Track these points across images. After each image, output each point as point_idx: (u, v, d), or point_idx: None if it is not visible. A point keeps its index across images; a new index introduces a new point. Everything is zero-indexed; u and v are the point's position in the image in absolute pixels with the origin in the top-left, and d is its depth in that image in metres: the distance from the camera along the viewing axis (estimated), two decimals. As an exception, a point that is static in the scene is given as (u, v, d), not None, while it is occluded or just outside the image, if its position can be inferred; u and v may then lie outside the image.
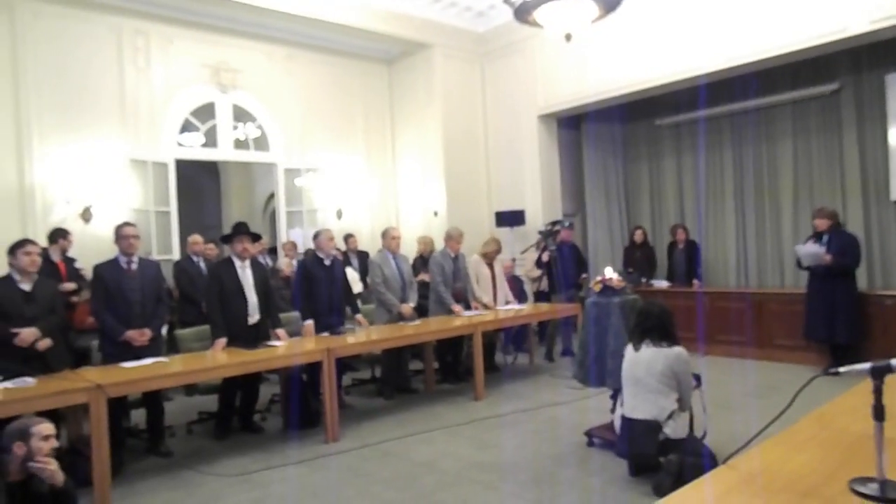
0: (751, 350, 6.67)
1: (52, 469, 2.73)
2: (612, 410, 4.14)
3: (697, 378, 3.67)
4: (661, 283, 7.88)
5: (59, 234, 5.94)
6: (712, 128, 8.59)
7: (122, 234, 4.46)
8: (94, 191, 6.90)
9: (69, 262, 5.95)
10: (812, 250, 5.86)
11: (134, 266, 4.48)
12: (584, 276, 7.59)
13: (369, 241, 8.79)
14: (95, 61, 7.03)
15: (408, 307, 5.92)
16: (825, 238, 5.89)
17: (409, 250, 7.64)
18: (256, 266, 5.09)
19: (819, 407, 2.33)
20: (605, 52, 7.88)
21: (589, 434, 4.25)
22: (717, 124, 8.57)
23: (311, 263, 5.48)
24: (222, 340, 4.72)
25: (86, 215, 6.82)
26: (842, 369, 1.61)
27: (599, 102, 8.29)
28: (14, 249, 4.04)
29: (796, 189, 7.94)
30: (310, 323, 5.28)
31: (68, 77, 6.83)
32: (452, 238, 6.37)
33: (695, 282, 7.70)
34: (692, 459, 3.27)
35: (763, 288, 7.69)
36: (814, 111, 7.74)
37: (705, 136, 8.61)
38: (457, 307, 6.14)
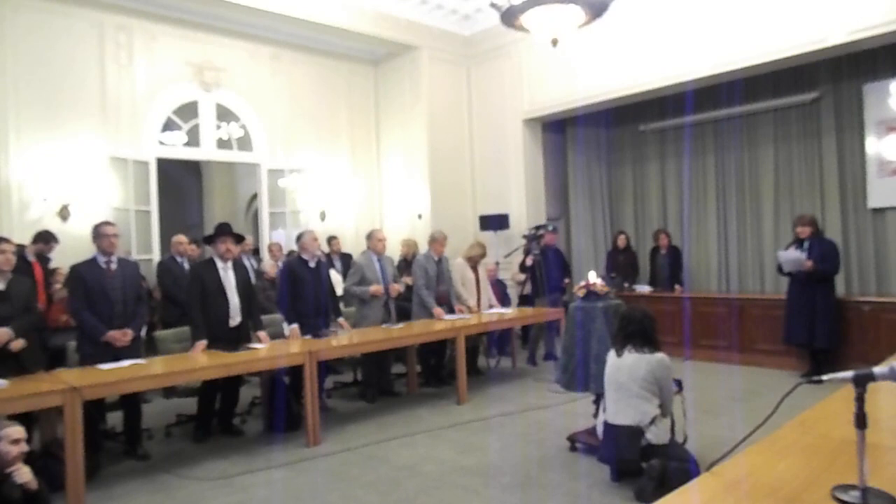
0: (733, 354, 6.73)
1: (26, 478, 2.67)
2: (595, 415, 4.14)
3: (678, 383, 3.69)
4: (644, 288, 7.93)
5: (46, 238, 5.86)
6: (696, 133, 8.68)
7: (103, 233, 4.38)
8: (73, 189, 6.79)
9: (44, 261, 5.85)
10: (793, 256, 5.94)
11: (113, 265, 4.40)
12: (566, 280, 7.62)
13: (353, 244, 8.74)
14: (76, 57, 6.93)
15: (378, 287, 5.86)
16: (806, 244, 5.97)
17: (393, 253, 7.60)
18: (239, 267, 5.02)
19: (800, 413, 2.34)
20: (592, 58, 7.93)
21: (572, 439, 4.25)
22: (701, 130, 8.66)
23: (296, 265, 5.43)
24: (202, 342, 4.65)
25: (63, 213, 6.71)
26: (825, 377, 1.62)
27: (585, 107, 8.34)
28: (-12, 247, 3.95)
29: (777, 195, 8.04)
30: (295, 326, 5.22)
31: (48, 72, 6.72)
32: (436, 241, 6.35)
33: (677, 287, 7.76)
34: (675, 464, 3.29)
35: (744, 293, 7.77)
36: (794, 119, 7.85)
37: (689, 142, 8.70)
38: (438, 310, 6.12)
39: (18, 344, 3.92)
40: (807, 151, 7.77)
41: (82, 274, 4.31)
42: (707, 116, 8.43)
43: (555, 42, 5.05)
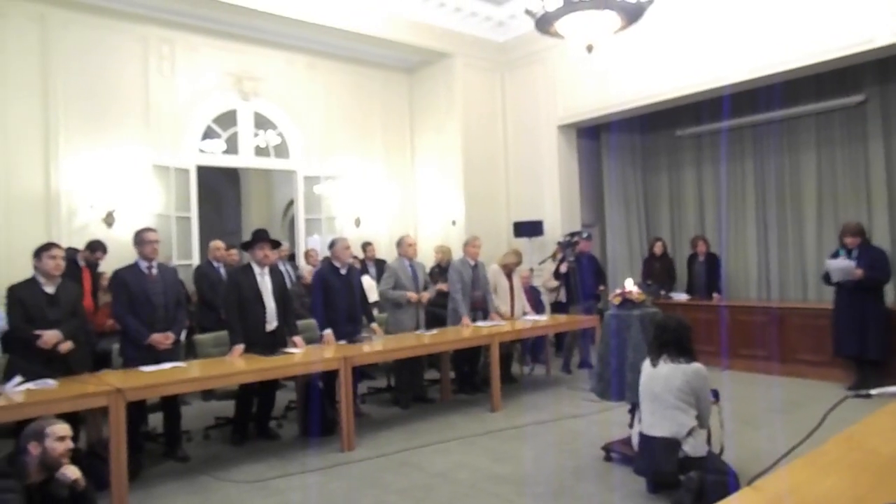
0: (773, 365, 6.55)
1: (75, 476, 2.76)
2: (631, 425, 4.08)
3: (715, 393, 3.61)
4: (681, 296, 7.79)
5: (95, 247, 6.06)
6: (734, 138, 8.50)
7: (146, 240, 4.49)
8: (118, 196, 7.00)
9: (93, 266, 6.04)
10: (843, 265, 5.76)
11: (155, 271, 4.51)
12: (601, 287, 7.53)
13: (387, 250, 8.79)
14: (122, 69, 7.17)
15: (414, 295, 5.94)
16: (854, 252, 5.79)
17: (427, 259, 7.64)
18: (275, 273, 5.11)
19: (847, 427, 2.27)
20: (627, 63, 7.84)
21: (607, 448, 4.20)
22: (739, 135, 8.48)
23: (327, 272, 5.50)
24: (240, 347, 4.74)
25: (108, 220, 6.92)
26: (874, 392, 1.57)
27: (620, 113, 8.26)
28: (39, 252, 4.10)
29: (820, 201, 7.81)
30: (329, 332, 5.28)
31: (95, 85, 6.96)
32: (470, 244, 6.36)
33: (715, 295, 7.60)
34: (714, 477, 3.21)
35: (786, 301, 7.56)
36: (838, 122, 7.63)
37: (727, 147, 8.53)
38: (466, 319, 6.07)
39: (67, 346, 4.06)
40: (852, 156, 7.53)
41: (125, 279, 4.42)
42: (745, 121, 8.24)
43: (590, 48, 5.02)
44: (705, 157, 8.98)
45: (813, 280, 7.66)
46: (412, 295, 5.91)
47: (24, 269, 4.32)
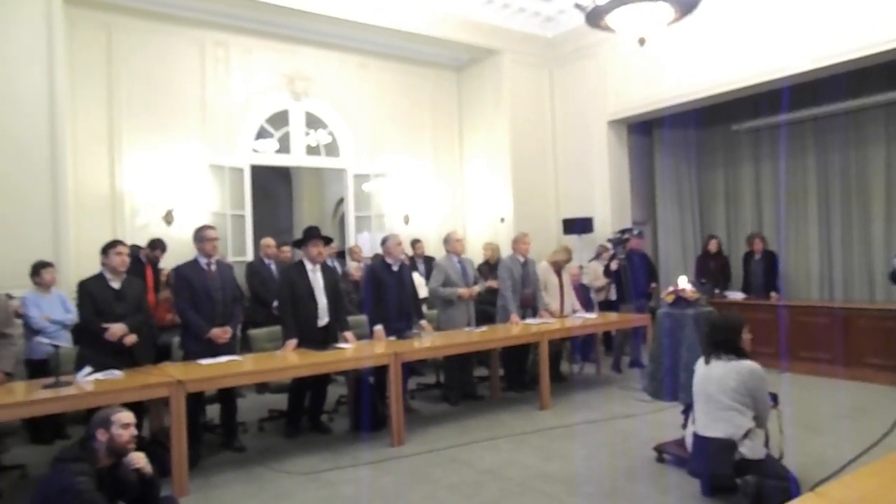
0: (837, 368, 6.27)
1: (141, 463, 2.88)
2: (684, 426, 3.98)
3: (774, 397, 3.48)
4: (736, 295, 7.55)
5: (155, 245, 6.31)
6: (794, 132, 8.18)
7: (207, 237, 4.62)
8: (176, 195, 7.27)
9: (154, 262, 6.29)
10: None
11: (213, 267, 4.66)
12: (653, 285, 7.37)
13: (436, 247, 8.82)
14: (180, 72, 7.44)
15: (466, 290, 5.96)
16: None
17: (476, 256, 7.63)
18: (326, 269, 5.20)
19: (919, 434, 2.16)
20: (680, 55, 7.64)
21: (660, 449, 4.11)
22: (800, 129, 8.15)
23: (379, 269, 5.55)
24: (293, 341, 4.85)
25: (168, 218, 7.19)
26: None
27: (673, 107, 8.06)
28: (107, 249, 4.29)
29: (889, 198, 7.44)
30: (380, 328, 5.33)
31: (155, 88, 7.25)
32: (519, 241, 6.33)
33: (773, 294, 7.33)
34: (773, 482, 3.11)
35: (851, 302, 7.23)
36: (910, 114, 7.25)
37: (787, 142, 8.21)
38: (514, 317, 6.03)
39: (132, 339, 4.24)
40: (923, 150, 7.15)
41: (187, 275, 4.58)
42: (806, 114, 7.91)
43: (642, 41, 4.90)
44: (763, 152, 8.67)
45: (881, 280, 7.31)
46: (463, 291, 5.92)
47: (91, 267, 4.54)
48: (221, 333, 4.55)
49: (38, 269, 5.12)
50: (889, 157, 7.45)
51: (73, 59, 6.69)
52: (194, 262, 4.65)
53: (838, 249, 7.91)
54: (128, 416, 2.92)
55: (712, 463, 3.35)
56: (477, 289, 6.11)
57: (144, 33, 7.20)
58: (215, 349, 4.51)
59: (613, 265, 7.23)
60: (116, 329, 4.15)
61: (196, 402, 4.36)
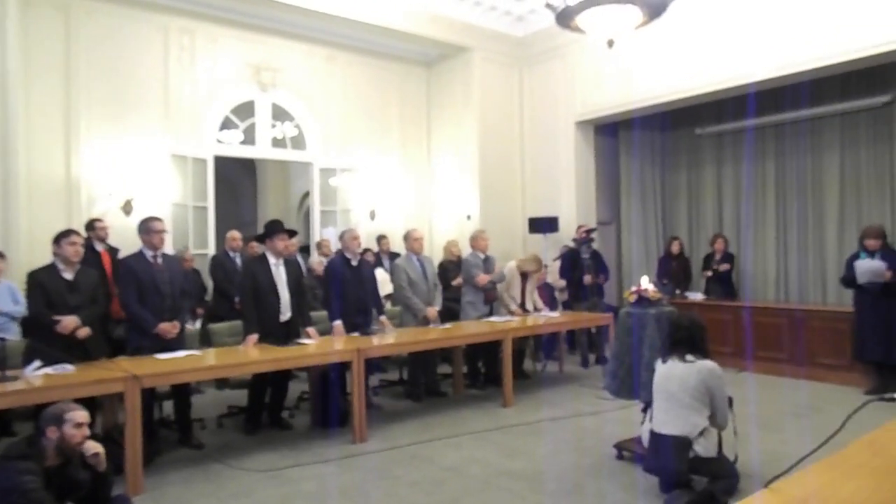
0: (791, 368, 6.46)
1: (97, 449, 2.78)
2: (643, 423, 4.04)
3: (729, 400, 3.55)
4: (696, 296, 7.71)
5: (92, 223, 6.05)
6: (756, 138, 8.38)
7: (153, 229, 4.44)
8: (136, 184, 7.05)
9: (113, 252, 6.07)
10: (871, 266, 5.65)
11: (160, 260, 4.50)
12: (601, 276, 7.41)
13: (402, 243, 8.78)
14: (143, 59, 7.21)
15: (433, 310, 5.90)
16: (876, 256, 5.69)
17: (438, 255, 7.63)
18: (289, 264, 5.11)
19: (868, 432, 2.22)
20: (648, 59, 7.76)
21: (619, 447, 4.17)
22: (761, 134, 8.36)
23: (338, 263, 5.49)
24: (254, 336, 4.76)
25: (127, 208, 6.98)
26: (900, 394, 1.53)
27: (640, 110, 8.17)
28: (59, 239, 4.14)
29: (843, 203, 7.69)
30: (338, 323, 5.27)
31: (116, 74, 7.01)
32: (478, 238, 6.36)
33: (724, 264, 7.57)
34: (724, 482, 3.20)
35: (805, 304, 7.45)
36: (864, 123, 7.50)
37: (749, 146, 8.41)
38: (432, 310, 5.97)
39: (85, 332, 4.10)
40: (877, 157, 7.40)
41: (133, 267, 4.40)
42: (768, 120, 8.12)
43: (611, 43, 4.95)
44: (726, 156, 8.87)
45: (832, 282, 7.54)
46: (430, 311, 5.87)
47: (43, 256, 4.37)
48: (170, 328, 4.41)
49: (-14, 258, 4.91)
50: (843, 164, 7.70)
51: (28, 41, 6.42)
52: (140, 255, 4.47)
53: (794, 252, 8.14)
54: (82, 416, 2.81)
55: (667, 460, 3.40)
56: (437, 308, 6.09)
57: (105, 17, 6.95)
58: (163, 344, 4.36)
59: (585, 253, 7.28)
60: (69, 322, 4.01)
61: (150, 397, 4.23)
